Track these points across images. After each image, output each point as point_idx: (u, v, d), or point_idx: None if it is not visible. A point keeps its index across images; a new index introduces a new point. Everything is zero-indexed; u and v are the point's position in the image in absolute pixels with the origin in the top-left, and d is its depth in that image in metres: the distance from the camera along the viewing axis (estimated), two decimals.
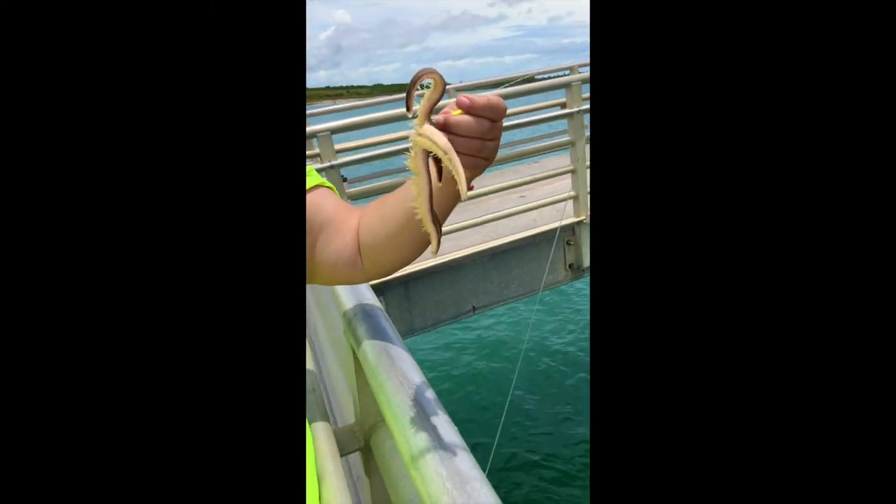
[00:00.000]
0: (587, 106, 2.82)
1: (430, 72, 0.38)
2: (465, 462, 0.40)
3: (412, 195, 0.41)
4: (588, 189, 2.89)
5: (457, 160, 0.37)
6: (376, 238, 0.51)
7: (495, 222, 2.81)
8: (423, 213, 0.40)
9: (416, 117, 0.39)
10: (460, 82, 4.50)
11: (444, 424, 0.44)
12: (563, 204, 2.91)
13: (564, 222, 2.86)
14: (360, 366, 0.63)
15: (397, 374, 0.51)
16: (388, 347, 0.57)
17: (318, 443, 0.61)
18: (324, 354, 1.12)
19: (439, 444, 0.42)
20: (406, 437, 0.44)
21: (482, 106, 0.39)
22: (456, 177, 0.37)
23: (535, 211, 2.89)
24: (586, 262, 2.99)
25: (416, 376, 0.50)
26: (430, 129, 0.39)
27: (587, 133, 2.82)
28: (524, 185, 2.90)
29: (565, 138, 2.99)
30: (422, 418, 0.45)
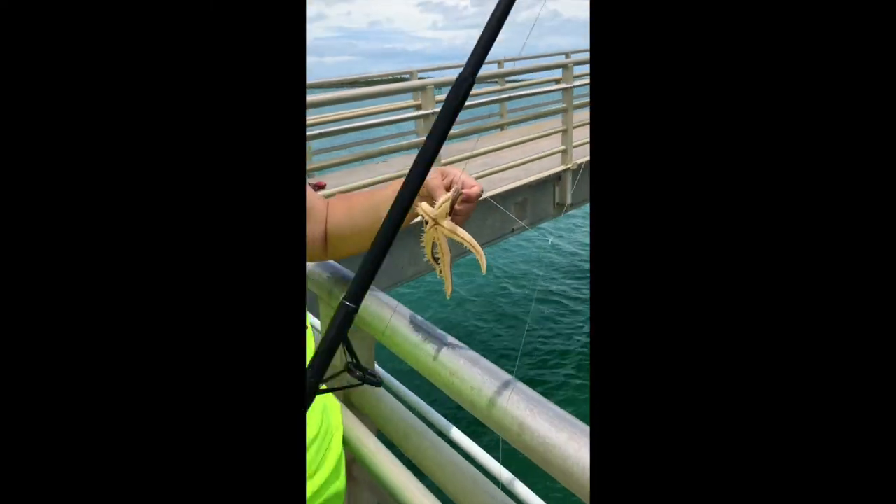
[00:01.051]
0: (579, 82, 4.47)
1: (475, 191, 0.56)
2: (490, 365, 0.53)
3: (376, 203, 0.61)
4: (573, 143, 4.30)
5: (478, 246, 0.53)
6: (343, 231, 0.65)
7: (500, 172, 3.93)
8: (446, 275, 0.56)
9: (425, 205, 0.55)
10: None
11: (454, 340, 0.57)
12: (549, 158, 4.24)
13: (555, 170, 4.24)
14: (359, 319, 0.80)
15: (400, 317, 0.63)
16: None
17: None
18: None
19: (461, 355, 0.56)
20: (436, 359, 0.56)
21: (477, 196, 0.56)
22: (480, 259, 0.53)
23: (534, 163, 4.13)
24: (568, 199, 4.42)
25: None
26: (451, 224, 0.54)
27: (575, 102, 4.32)
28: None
29: (559, 106, 4.40)
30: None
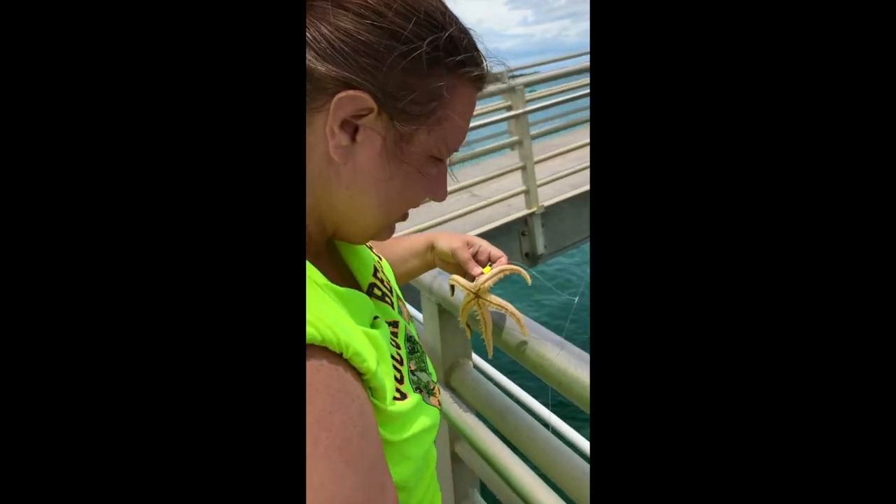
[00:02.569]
0: (531, 107, 3.49)
1: (516, 269, 0.63)
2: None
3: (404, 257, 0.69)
4: (537, 182, 3.42)
5: (517, 312, 0.61)
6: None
7: (451, 221, 3.17)
8: (488, 341, 0.65)
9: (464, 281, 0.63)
10: None
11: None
12: (511, 200, 3.34)
13: (519, 214, 3.40)
14: (445, 311, 0.84)
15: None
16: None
17: None
18: None
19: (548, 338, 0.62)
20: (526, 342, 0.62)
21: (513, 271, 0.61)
22: (520, 323, 0.62)
23: (488, 209, 3.31)
24: (540, 249, 3.55)
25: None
26: (494, 298, 0.62)
27: (531, 131, 3.48)
28: (476, 184, 3.39)
29: (509, 139, 3.50)
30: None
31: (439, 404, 0.49)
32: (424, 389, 0.47)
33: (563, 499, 0.68)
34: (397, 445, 0.41)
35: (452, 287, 0.68)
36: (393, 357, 0.43)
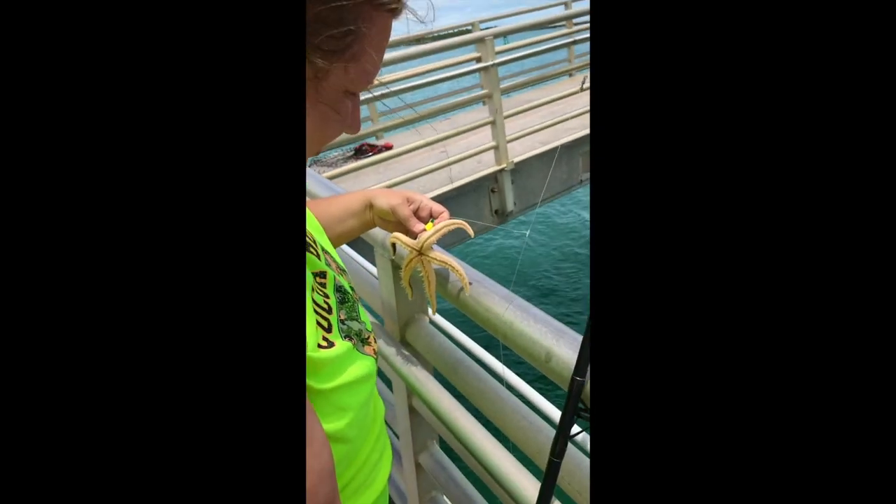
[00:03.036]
0: (501, 59, 3.39)
1: (459, 223, 0.62)
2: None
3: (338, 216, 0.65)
4: (507, 138, 3.36)
5: (460, 268, 0.59)
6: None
7: (421, 178, 3.16)
8: (432, 298, 0.64)
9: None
10: None
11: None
12: (481, 156, 3.40)
13: (489, 170, 3.35)
14: (399, 267, 0.75)
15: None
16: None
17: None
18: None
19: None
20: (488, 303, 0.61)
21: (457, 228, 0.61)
22: (463, 280, 0.60)
23: (456, 165, 3.27)
24: (510, 206, 3.46)
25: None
26: (436, 253, 0.60)
27: (501, 85, 3.40)
28: (445, 139, 3.31)
29: (480, 92, 3.43)
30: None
31: (375, 353, 0.48)
32: (357, 338, 0.46)
33: (513, 452, 0.69)
34: (326, 394, 0.40)
35: (394, 245, 0.66)
36: (319, 305, 0.43)
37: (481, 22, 5.43)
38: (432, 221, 0.62)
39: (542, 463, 0.52)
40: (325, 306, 0.44)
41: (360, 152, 4.05)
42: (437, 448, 1.03)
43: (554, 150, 3.73)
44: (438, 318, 1.02)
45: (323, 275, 0.47)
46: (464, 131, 3.38)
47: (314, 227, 0.56)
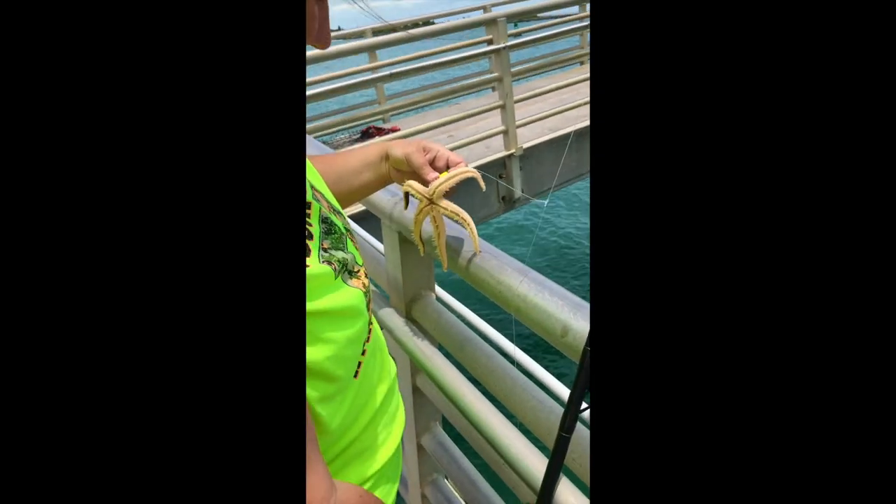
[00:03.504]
0: (513, 42, 3.32)
1: (473, 172, 0.58)
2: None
3: (338, 172, 0.63)
4: (516, 123, 3.32)
5: (471, 222, 0.56)
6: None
7: None
8: (442, 250, 0.61)
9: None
10: (357, 27, 4.73)
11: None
12: (489, 141, 3.33)
13: (498, 155, 3.30)
14: (406, 240, 0.78)
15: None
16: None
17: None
18: None
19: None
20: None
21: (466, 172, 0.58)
22: (473, 237, 0.58)
23: (464, 149, 3.20)
24: (517, 193, 3.36)
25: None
26: (447, 203, 0.57)
27: (513, 70, 3.33)
28: (453, 122, 3.33)
29: (489, 76, 3.37)
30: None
31: (364, 288, 0.47)
32: (340, 266, 0.44)
33: (522, 431, 0.66)
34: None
35: (407, 196, 0.62)
36: None
37: (493, 6, 5.35)
38: (448, 171, 0.59)
39: (552, 443, 0.50)
40: (307, 233, 0.43)
41: (366, 135, 4.01)
42: (439, 430, 1.01)
43: (564, 136, 3.67)
44: (445, 296, 0.99)
45: (308, 206, 0.46)
46: (473, 114, 3.33)
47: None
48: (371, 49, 3.80)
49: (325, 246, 0.45)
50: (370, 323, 0.51)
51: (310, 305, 0.39)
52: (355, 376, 0.47)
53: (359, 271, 0.47)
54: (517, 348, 0.83)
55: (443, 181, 0.57)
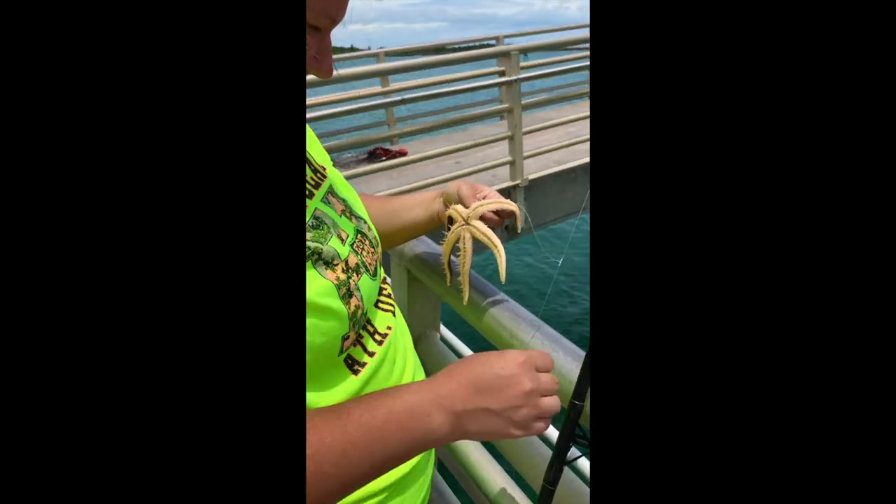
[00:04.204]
0: (525, 75, 3.36)
1: (514, 207, 0.59)
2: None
3: (393, 209, 0.65)
4: (523, 154, 3.35)
5: (501, 248, 0.56)
6: (381, 228, 0.62)
7: (433, 187, 3.14)
8: (465, 277, 0.59)
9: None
10: (368, 49, 4.80)
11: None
12: (496, 170, 3.38)
13: (503, 185, 3.33)
14: (415, 278, 0.79)
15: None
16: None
17: None
18: None
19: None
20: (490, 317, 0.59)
21: (511, 212, 0.59)
22: (500, 264, 0.55)
23: (471, 177, 3.16)
24: (521, 224, 3.56)
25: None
26: (482, 225, 0.57)
27: (523, 101, 3.38)
28: (462, 150, 3.33)
29: (499, 106, 3.43)
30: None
31: (338, 282, 0.45)
32: (315, 257, 0.44)
33: (513, 477, 0.64)
34: None
35: (449, 218, 0.62)
36: None
37: (505, 37, 5.45)
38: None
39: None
40: None
41: (373, 156, 4.03)
42: (437, 475, 0.98)
43: (569, 170, 3.69)
44: (449, 336, 0.97)
45: (308, 194, 0.46)
46: (482, 143, 3.36)
47: (317, 150, 0.54)
48: (384, 74, 3.85)
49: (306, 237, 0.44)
50: (380, 328, 0.50)
51: None
52: (354, 374, 0.47)
53: (337, 264, 0.45)
54: None
55: (484, 203, 0.58)
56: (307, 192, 0.48)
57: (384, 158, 3.81)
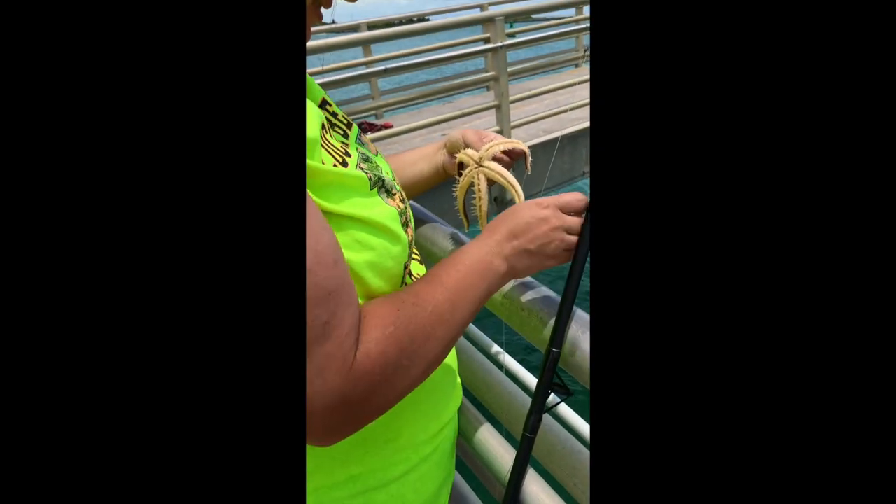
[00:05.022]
0: (511, 41, 3.30)
1: (525, 148, 0.58)
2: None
3: (400, 165, 0.66)
4: (511, 124, 3.31)
5: (518, 187, 0.55)
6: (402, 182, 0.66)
7: None
8: (482, 220, 0.57)
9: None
10: (352, 19, 4.72)
11: None
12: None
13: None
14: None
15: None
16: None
17: None
18: None
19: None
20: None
21: (523, 152, 0.59)
22: (516, 195, 0.55)
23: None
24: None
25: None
26: (495, 164, 0.56)
27: (509, 69, 3.32)
28: (448, 121, 3.28)
29: (485, 74, 3.33)
30: None
31: (399, 208, 0.48)
32: (376, 179, 0.46)
33: (508, 440, 0.65)
34: (339, 220, 0.40)
35: (460, 166, 0.61)
36: (331, 145, 0.44)
37: (490, 4, 5.33)
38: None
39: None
40: (343, 151, 0.45)
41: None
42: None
43: (558, 139, 3.66)
44: None
45: (346, 136, 0.49)
46: (468, 113, 3.31)
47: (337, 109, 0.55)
48: (366, 43, 3.76)
49: (363, 167, 0.46)
50: (412, 252, 0.52)
51: (345, 207, 0.40)
52: None
53: (396, 195, 0.49)
54: (507, 355, 0.82)
55: (495, 143, 0.58)
56: (341, 132, 0.49)
57: (369, 132, 3.76)
